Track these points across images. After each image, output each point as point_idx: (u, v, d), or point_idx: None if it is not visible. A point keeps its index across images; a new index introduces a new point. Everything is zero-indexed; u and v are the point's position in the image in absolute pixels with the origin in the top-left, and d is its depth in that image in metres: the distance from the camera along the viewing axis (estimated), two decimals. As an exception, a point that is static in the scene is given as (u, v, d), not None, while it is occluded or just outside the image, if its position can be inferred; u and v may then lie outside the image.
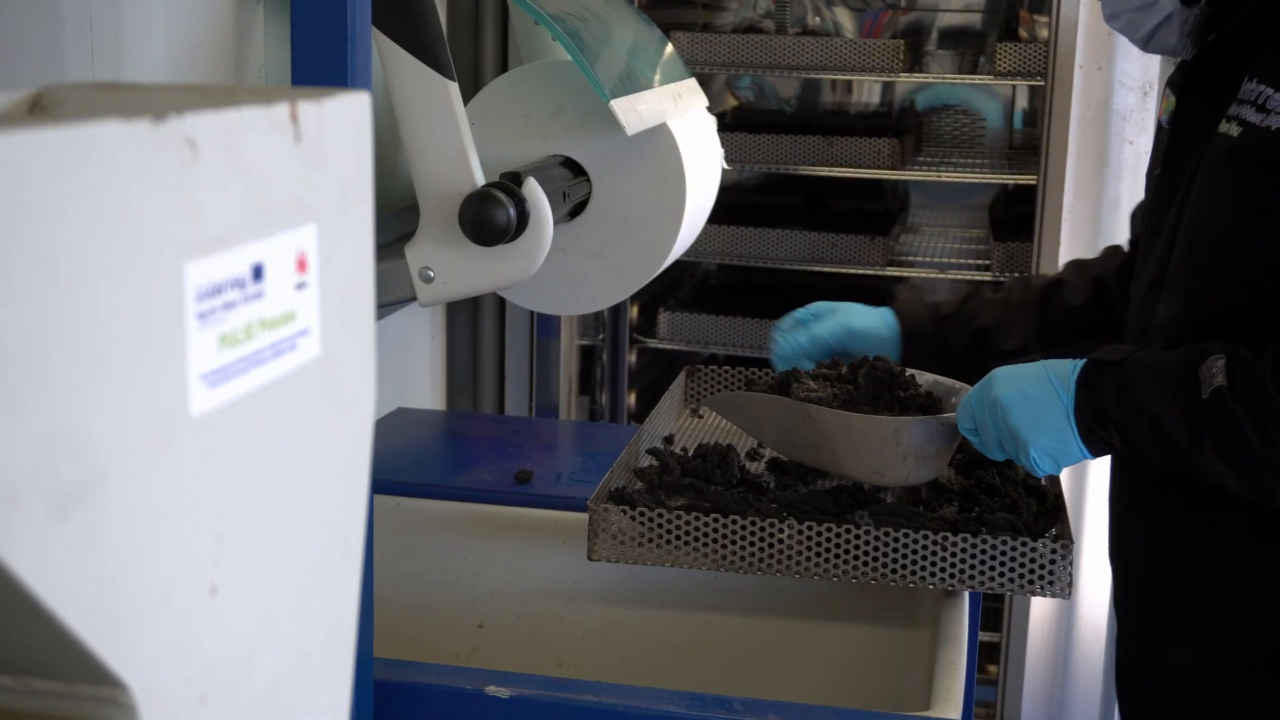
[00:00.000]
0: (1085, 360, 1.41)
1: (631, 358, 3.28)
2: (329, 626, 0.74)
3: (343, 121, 0.72)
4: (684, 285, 3.38)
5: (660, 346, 3.28)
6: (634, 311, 3.27)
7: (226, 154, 0.62)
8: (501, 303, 2.66)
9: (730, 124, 3.52)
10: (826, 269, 3.19)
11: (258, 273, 0.65)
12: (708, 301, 3.35)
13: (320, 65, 1.14)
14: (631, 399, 3.32)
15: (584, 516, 1.71)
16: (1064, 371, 1.40)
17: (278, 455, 0.68)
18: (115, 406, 0.56)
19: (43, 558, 0.52)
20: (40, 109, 0.73)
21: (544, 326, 2.84)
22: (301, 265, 0.69)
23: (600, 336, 3.21)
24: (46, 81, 1.32)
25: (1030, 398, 1.41)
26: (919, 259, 3.28)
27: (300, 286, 0.69)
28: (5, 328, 0.50)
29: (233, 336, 0.63)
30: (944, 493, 1.71)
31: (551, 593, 1.83)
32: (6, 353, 0.50)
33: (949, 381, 1.70)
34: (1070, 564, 1.52)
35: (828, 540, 1.58)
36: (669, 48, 2.31)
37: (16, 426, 0.50)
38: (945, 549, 1.54)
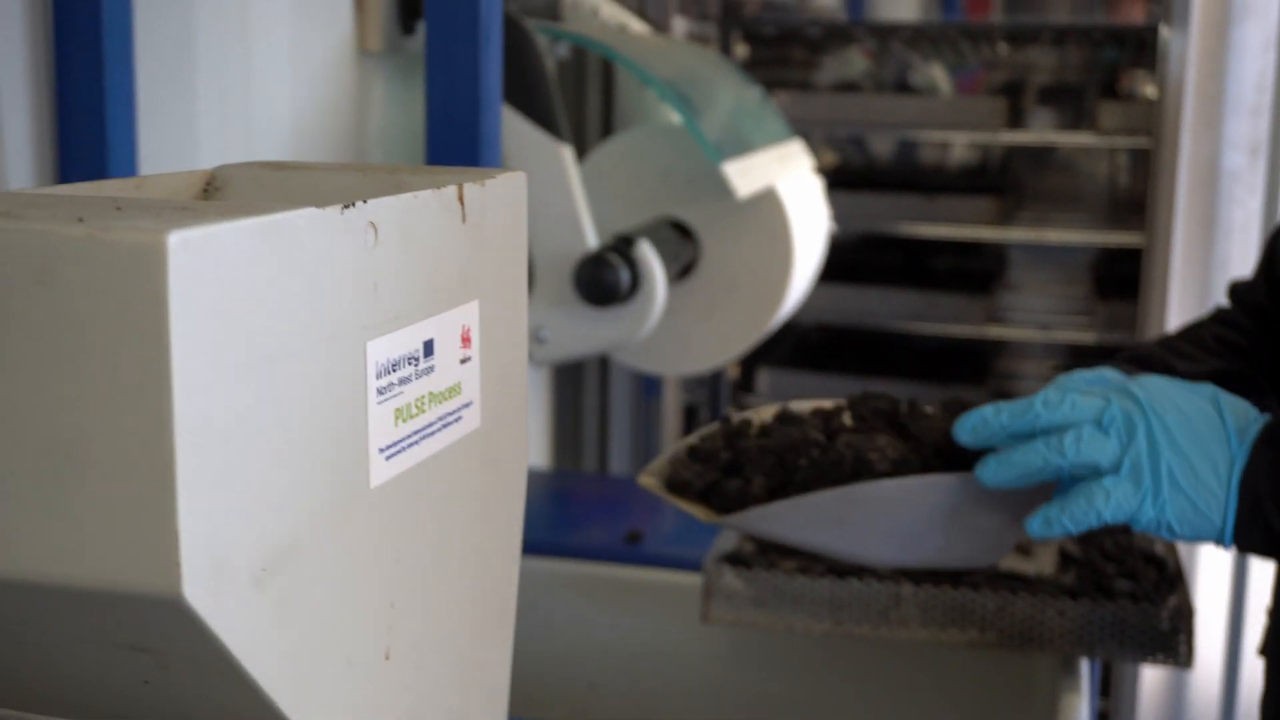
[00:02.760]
0: (1272, 415, 1.03)
1: (731, 416, 3.29)
2: (485, 690, 0.76)
3: (502, 201, 0.75)
4: (783, 343, 3.39)
5: (761, 404, 3.28)
6: (734, 369, 3.28)
7: (403, 236, 0.64)
8: (605, 361, 2.68)
9: (828, 182, 3.54)
10: (927, 328, 3.19)
11: (429, 348, 0.67)
12: (807, 359, 3.36)
13: (453, 137, 1.17)
14: (730, 457, 3.32)
15: (696, 577, 1.73)
16: (1240, 416, 1.01)
17: (442, 523, 0.70)
18: (307, 481, 0.58)
19: (244, 624, 0.54)
20: (214, 189, 0.76)
21: (648, 385, 2.86)
22: (465, 340, 0.71)
23: (701, 395, 3.23)
24: (184, 148, 1.37)
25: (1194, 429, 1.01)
26: (1020, 318, 3.27)
27: (465, 360, 0.71)
28: (214, 410, 0.52)
29: (407, 410, 0.66)
30: (1063, 560, 1.70)
31: (663, 653, 1.83)
32: (215, 434, 0.52)
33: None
34: (1192, 633, 1.51)
35: (944, 604, 1.57)
36: (773, 108, 2.34)
37: (224, 503, 0.53)
38: (1064, 615, 1.53)
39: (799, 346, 3.44)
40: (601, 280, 1.74)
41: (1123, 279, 3.06)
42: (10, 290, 0.51)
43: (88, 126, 1.18)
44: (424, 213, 0.66)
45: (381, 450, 0.64)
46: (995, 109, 3.07)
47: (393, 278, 0.64)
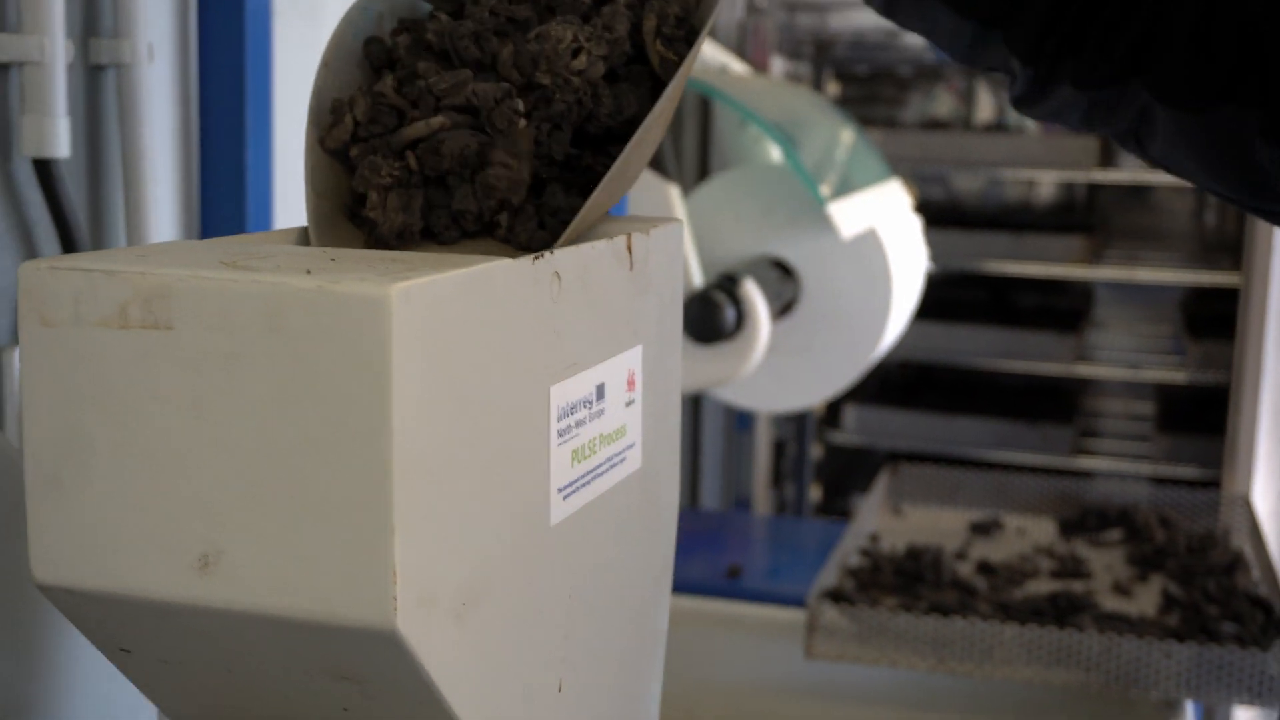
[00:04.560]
0: None
1: (816, 451, 3.30)
2: (640, 723, 0.79)
3: (663, 248, 0.77)
4: (870, 379, 3.40)
5: (847, 440, 3.29)
6: (820, 406, 3.30)
7: (582, 285, 0.67)
8: (697, 395, 2.70)
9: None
10: (1014, 365, 3.19)
11: (600, 392, 0.70)
12: (894, 396, 3.37)
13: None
14: (815, 492, 3.34)
15: (795, 612, 1.75)
16: None
17: (607, 560, 0.73)
18: (499, 519, 0.61)
19: (445, 655, 0.57)
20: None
21: (741, 419, 2.88)
22: (630, 383, 0.74)
23: (789, 430, 3.24)
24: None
25: None
26: (1109, 356, 3.26)
27: (629, 403, 0.74)
28: (426, 452, 0.55)
29: (581, 451, 0.68)
30: (1166, 601, 1.71)
31: (761, 688, 1.85)
32: (426, 475, 0.55)
33: None
34: (1302, 677, 1.50)
35: (1048, 644, 1.58)
36: (872, 147, 2.36)
37: (431, 540, 0.56)
38: (1171, 658, 1.54)
39: (885, 383, 3.45)
40: (708, 318, 1.77)
41: (1214, 318, 3.04)
42: (242, 338, 0.54)
43: (228, 183, 1.23)
44: (600, 262, 0.69)
45: (560, 490, 0.67)
46: (1087, 147, 3.07)
47: (572, 324, 0.67)
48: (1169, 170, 0.78)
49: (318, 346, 0.54)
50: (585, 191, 0.68)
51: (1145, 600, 1.78)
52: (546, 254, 0.64)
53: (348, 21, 0.72)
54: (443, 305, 0.56)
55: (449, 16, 0.71)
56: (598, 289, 0.69)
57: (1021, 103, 0.79)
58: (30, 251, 1.07)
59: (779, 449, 3.21)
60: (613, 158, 0.67)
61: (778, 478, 3.23)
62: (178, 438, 0.56)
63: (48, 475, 0.58)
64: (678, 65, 0.68)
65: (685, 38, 0.70)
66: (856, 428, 3.27)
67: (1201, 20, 0.72)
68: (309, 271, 0.55)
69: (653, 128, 0.67)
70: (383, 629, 0.54)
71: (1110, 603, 1.76)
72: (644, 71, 0.69)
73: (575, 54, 0.66)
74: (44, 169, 1.05)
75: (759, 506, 2.99)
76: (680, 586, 1.96)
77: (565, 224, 0.67)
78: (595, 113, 0.67)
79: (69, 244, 1.07)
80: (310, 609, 0.55)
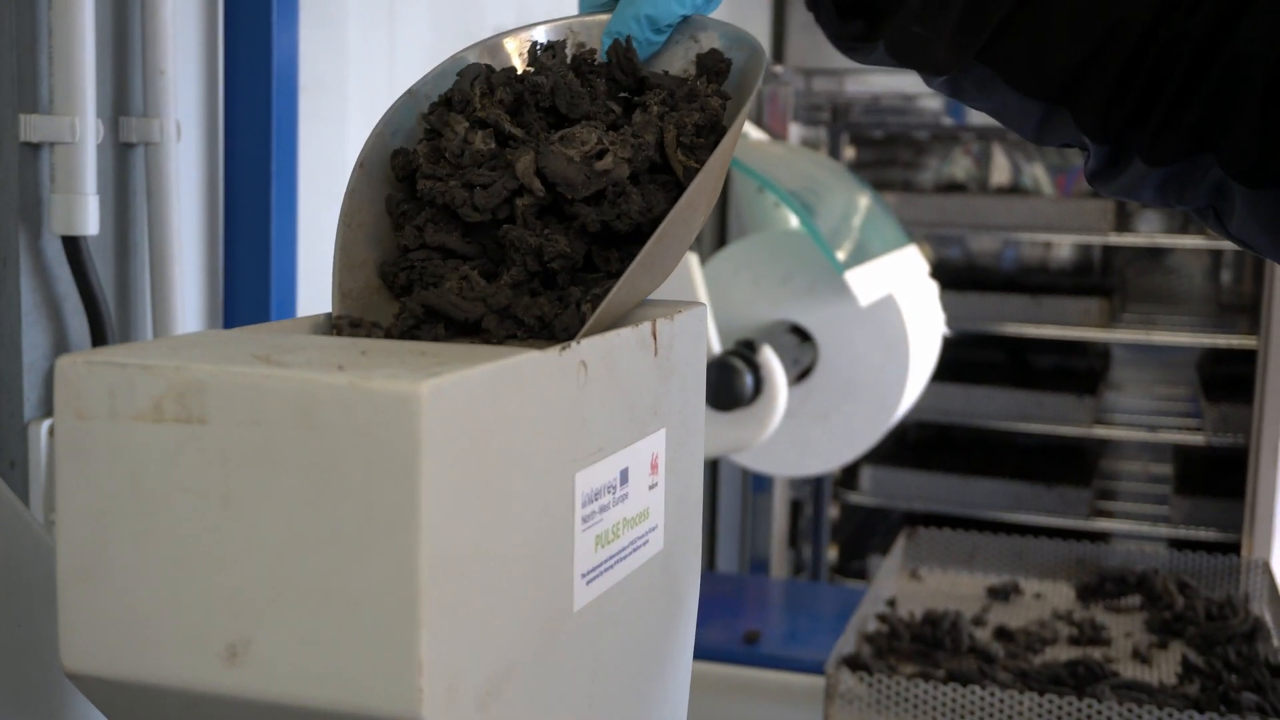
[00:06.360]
0: None
1: (832, 511, 3.30)
2: (661, 805, 0.79)
3: (687, 332, 0.78)
4: (886, 440, 3.40)
5: (863, 501, 3.29)
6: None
7: (608, 372, 0.68)
8: (713, 460, 2.71)
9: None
10: (1031, 427, 3.19)
11: (624, 477, 0.71)
12: (909, 457, 3.37)
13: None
14: (831, 552, 3.33)
15: (814, 679, 1.74)
16: None
17: (630, 642, 0.74)
18: (523, 606, 0.62)
19: (470, 747, 0.58)
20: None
21: (757, 481, 2.88)
22: (654, 467, 0.75)
23: (805, 491, 3.24)
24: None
25: None
26: (1126, 419, 3.26)
27: (652, 486, 0.75)
28: (453, 543, 0.56)
29: (605, 536, 0.69)
30: (1186, 669, 1.70)
31: (780, 755, 1.84)
32: (453, 566, 0.56)
33: None
34: (1325, 749, 1.49)
35: (1067, 714, 1.57)
36: (889, 213, 2.37)
37: (457, 630, 0.56)
38: (1192, 729, 1.53)
39: (902, 444, 3.45)
40: (726, 385, 1.78)
41: (1231, 380, 3.04)
42: (274, 432, 0.55)
43: (254, 257, 1.26)
44: (625, 350, 0.70)
45: (584, 575, 0.67)
46: (1105, 211, 3.08)
47: (598, 411, 0.67)
48: (1248, 248, 0.77)
49: (349, 441, 0.54)
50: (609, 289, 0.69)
51: (1165, 668, 1.78)
52: (573, 344, 0.65)
53: (385, 123, 0.73)
54: (472, 399, 0.57)
55: (470, 125, 0.72)
56: (623, 376, 0.70)
57: (1096, 178, 0.79)
58: (58, 327, 1.09)
59: (795, 510, 3.20)
60: (633, 257, 0.68)
61: (794, 538, 3.23)
62: (208, 529, 0.56)
63: (79, 565, 0.59)
64: (698, 171, 0.69)
65: (711, 144, 0.71)
66: (872, 488, 3.27)
67: (1269, 92, 0.71)
68: (341, 367, 0.56)
69: (676, 226, 0.68)
70: (408, 719, 0.55)
71: (1130, 670, 1.76)
72: (673, 180, 0.71)
73: (600, 155, 0.67)
74: (73, 246, 1.07)
75: (776, 568, 2.98)
76: (697, 652, 1.95)
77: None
78: (626, 210, 0.68)
79: (96, 320, 1.09)
80: (336, 699, 0.56)
